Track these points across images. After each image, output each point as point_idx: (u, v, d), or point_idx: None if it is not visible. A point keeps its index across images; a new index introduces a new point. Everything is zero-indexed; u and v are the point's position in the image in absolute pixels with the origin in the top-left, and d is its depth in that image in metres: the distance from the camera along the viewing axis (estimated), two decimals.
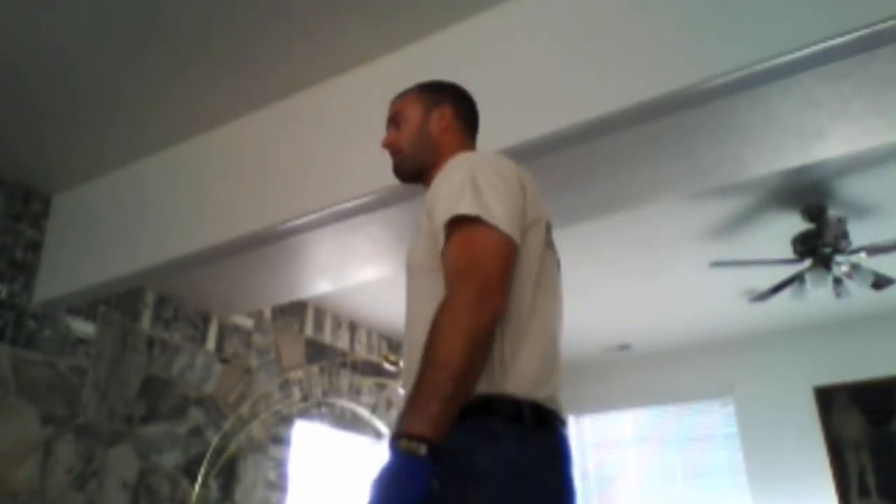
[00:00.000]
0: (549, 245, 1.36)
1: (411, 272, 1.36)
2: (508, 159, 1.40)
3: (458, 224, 1.22)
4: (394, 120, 1.57)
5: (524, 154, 2.13)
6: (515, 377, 1.20)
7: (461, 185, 1.26)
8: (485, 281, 1.14)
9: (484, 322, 1.11)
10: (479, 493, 1.12)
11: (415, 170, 1.52)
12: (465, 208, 1.21)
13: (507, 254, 1.20)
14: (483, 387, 1.17)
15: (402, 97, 1.59)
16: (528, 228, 1.28)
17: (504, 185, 1.26)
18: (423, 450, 1.01)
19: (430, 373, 1.08)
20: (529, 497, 1.14)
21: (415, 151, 1.50)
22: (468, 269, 1.17)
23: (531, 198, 1.32)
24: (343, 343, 4.96)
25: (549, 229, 1.38)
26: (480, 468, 1.13)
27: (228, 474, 3.86)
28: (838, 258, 3.76)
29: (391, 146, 1.55)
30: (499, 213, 1.21)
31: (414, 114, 1.53)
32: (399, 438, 1.03)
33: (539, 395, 1.21)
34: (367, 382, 4.99)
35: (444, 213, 1.25)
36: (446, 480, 1.16)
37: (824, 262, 3.76)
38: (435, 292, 1.20)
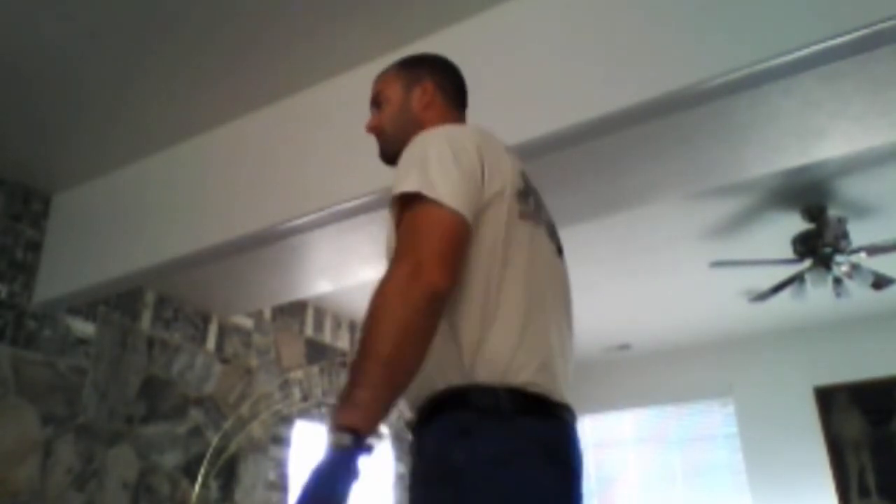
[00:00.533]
0: (525, 215, 1.24)
1: (388, 260, 1.30)
2: (474, 129, 1.31)
3: (404, 204, 1.16)
4: (376, 101, 1.50)
5: (524, 154, 2.12)
6: (487, 363, 1.12)
7: (410, 163, 1.20)
8: (420, 258, 1.07)
9: (416, 301, 1.04)
10: (455, 495, 1.06)
11: (400, 151, 1.36)
12: (407, 186, 1.15)
13: (452, 229, 1.11)
14: (455, 378, 1.12)
15: (383, 76, 1.53)
16: (489, 201, 1.19)
17: (455, 160, 1.18)
18: (347, 440, 0.96)
19: (359, 358, 1.03)
20: (514, 492, 1.06)
21: (398, 132, 1.41)
22: (403, 249, 1.10)
23: (492, 167, 1.22)
24: (343, 343, 4.96)
25: (524, 197, 1.27)
26: (455, 467, 1.07)
27: (228, 474, 3.85)
28: (838, 258, 3.76)
29: (374, 129, 1.48)
30: (445, 188, 1.13)
31: (395, 93, 1.47)
32: (332, 433, 0.98)
33: (516, 379, 1.11)
34: None
35: (392, 195, 1.20)
36: (422, 483, 1.12)
37: (824, 262, 3.76)
38: None
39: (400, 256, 1.10)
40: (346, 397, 1.00)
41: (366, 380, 1.00)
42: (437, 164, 1.17)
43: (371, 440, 0.99)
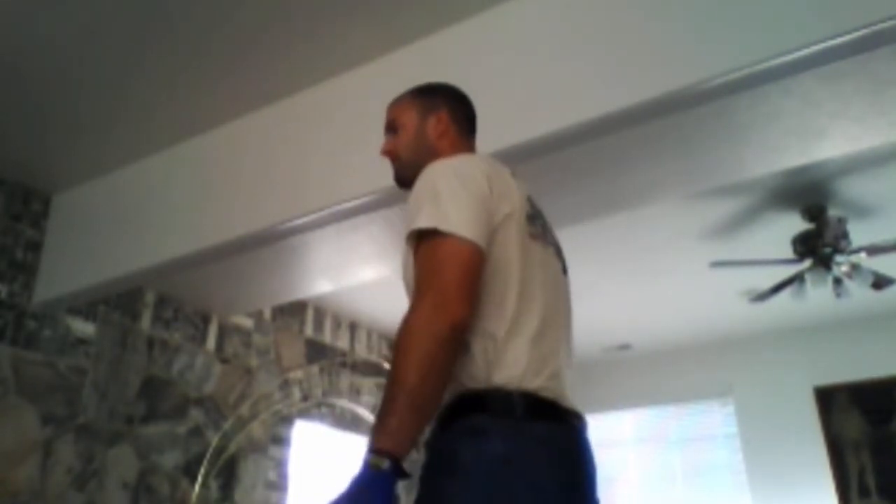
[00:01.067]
0: (534, 236, 1.33)
1: (407, 289, 1.36)
2: (481, 158, 1.39)
3: (420, 238, 1.23)
4: (391, 127, 1.55)
5: (524, 154, 2.13)
6: (504, 369, 1.19)
7: (422, 197, 1.26)
8: (441, 293, 1.15)
9: (440, 335, 1.12)
10: (459, 488, 1.13)
11: (415, 177, 1.44)
12: (422, 222, 1.22)
13: (468, 259, 1.19)
14: (471, 383, 1.20)
15: (398, 103, 1.57)
16: (500, 224, 1.27)
17: (464, 189, 1.25)
18: (385, 464, 1.06)
19: (388, 389, 1.13)
20: (518, 492, 1.12)
21: (413, 158, 1.46)
22: (426, 283, 1.18)
23: (501, 193, 1.30)
24: (343, 343, 4.96)
25: (532, 220, 1.35)
26: (463, 463, 1.14)
27: (228, 474, 3.85)
28: (838, 258, 3.76)
29: (390, 154, 1.54)
30: (458, 219, 1.21)
31: (410, 120, 1.52)
32: (369, 453, 1.08)
33: (531, 385, 1.20)
34: (367, 382, 4.99)
35: (406, 229, 1.27)
36: (432, 477, 1.19)
37: (824, 262, 3.76)
38: None
39: (423, 292, 1.18)
40: (380, 424, 1.11)
41: (395, 408, 1.10)
42: (448, 195, 1.24)
43: (405, 466, 1.09)
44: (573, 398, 1.28)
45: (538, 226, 1.37)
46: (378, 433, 1.10)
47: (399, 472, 1.08)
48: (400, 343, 1.14)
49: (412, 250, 1.26)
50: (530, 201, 1.39)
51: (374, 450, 1.08)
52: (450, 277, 1.17)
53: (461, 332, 1.15)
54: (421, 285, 1.19)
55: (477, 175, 1.29)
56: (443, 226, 1.20)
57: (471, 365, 1.21)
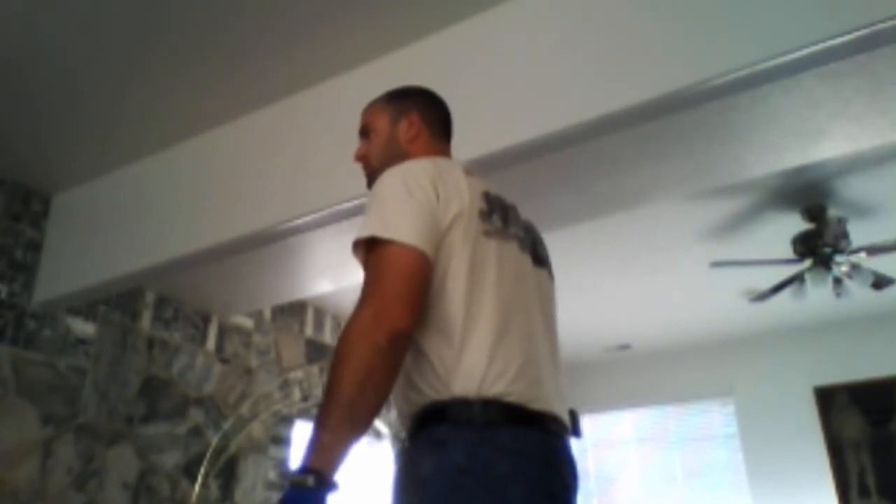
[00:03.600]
0: (489, 233, 1.28)
1: None
2: (430, 161, 1.34)
3: (369, 249, 1.21)
4: (364, 132, 1.54)
5: (524, 154, 2.13)
6: (462, 377, 1.15)
7: (370, 206, 1.25)
8: (381, 301, 1.12)
9: (379, 343, 1.09)
10: (418, 501, 1.11)
11: None
12: (364, 231, 1.20)
13: (410, 265, 1.16)
14: (434, 394, 1.17)
15: (371, 108, 1.56)
16: (450, 225, 1.23)
17: (409, 195, 1.22)
18: (310, 481, 1.02)
19: (324, 400, 1.09)
20: (478, 501, 1.08)
21: (384, 163, 1.41)
22: (368, 291, 1.15)
23: (448, 195, 1.25)
24: None
25: (487, 216, 1.30)
26: (424, 476, 1.12)
27: (228, 474, 3.85)
28: (838, 258, 3.76)
29: (362, 160, 1.52)
30: (399, 225, 1.18)
31: (382, 124, 1.51)
32: (297, 473, 1.04)
33: (492, 390, 1.14)
34: None
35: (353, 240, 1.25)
36: (396, 492, 1.17)
37: (824, 262, 3.76)
38: None
39: (363, 300, 1.14)
40: (314, 439, 1.06)
41: (329, 422, 1.06)
42: (391, 202, 1.22)
43: (336, 478, 1.06)
44: (554, 398, 1.23)
45: (495, 221, 1.31)
46: (309, 449, 1.06)
47: (328, 486, 1.04)
48: (337, 353, 1.10)
49: (361, 262, 1.24)
50: (487, 197, 1.33)
51: (302, 468, 1.04)
52: (390, 284, 1.14)
53: (402, 340, 1.11)
54: (362, 294, 1.15)
55: (422, 178, 1.25)
56: (383, 233, 1.17)
57: (431, 375, 1.17)
